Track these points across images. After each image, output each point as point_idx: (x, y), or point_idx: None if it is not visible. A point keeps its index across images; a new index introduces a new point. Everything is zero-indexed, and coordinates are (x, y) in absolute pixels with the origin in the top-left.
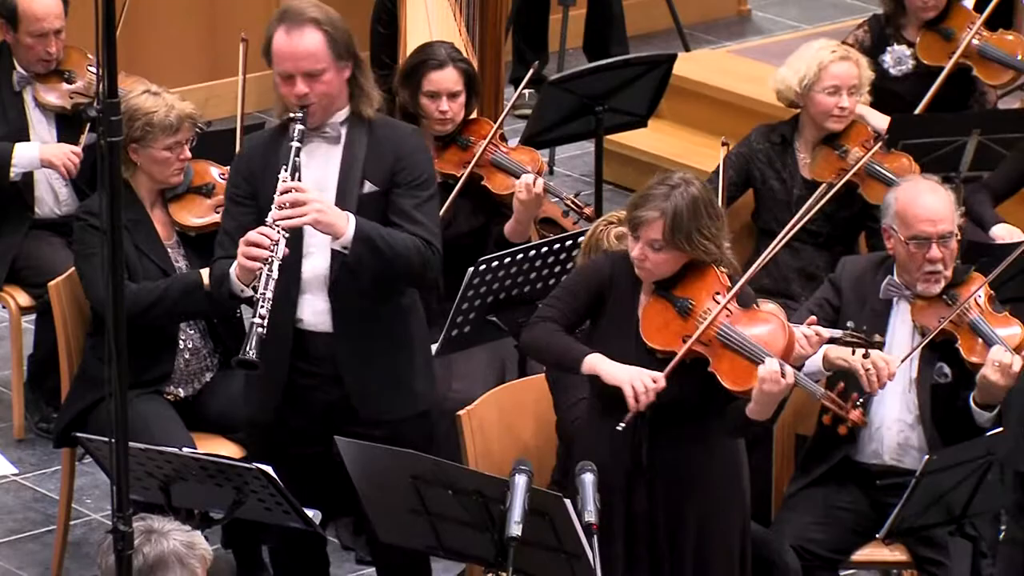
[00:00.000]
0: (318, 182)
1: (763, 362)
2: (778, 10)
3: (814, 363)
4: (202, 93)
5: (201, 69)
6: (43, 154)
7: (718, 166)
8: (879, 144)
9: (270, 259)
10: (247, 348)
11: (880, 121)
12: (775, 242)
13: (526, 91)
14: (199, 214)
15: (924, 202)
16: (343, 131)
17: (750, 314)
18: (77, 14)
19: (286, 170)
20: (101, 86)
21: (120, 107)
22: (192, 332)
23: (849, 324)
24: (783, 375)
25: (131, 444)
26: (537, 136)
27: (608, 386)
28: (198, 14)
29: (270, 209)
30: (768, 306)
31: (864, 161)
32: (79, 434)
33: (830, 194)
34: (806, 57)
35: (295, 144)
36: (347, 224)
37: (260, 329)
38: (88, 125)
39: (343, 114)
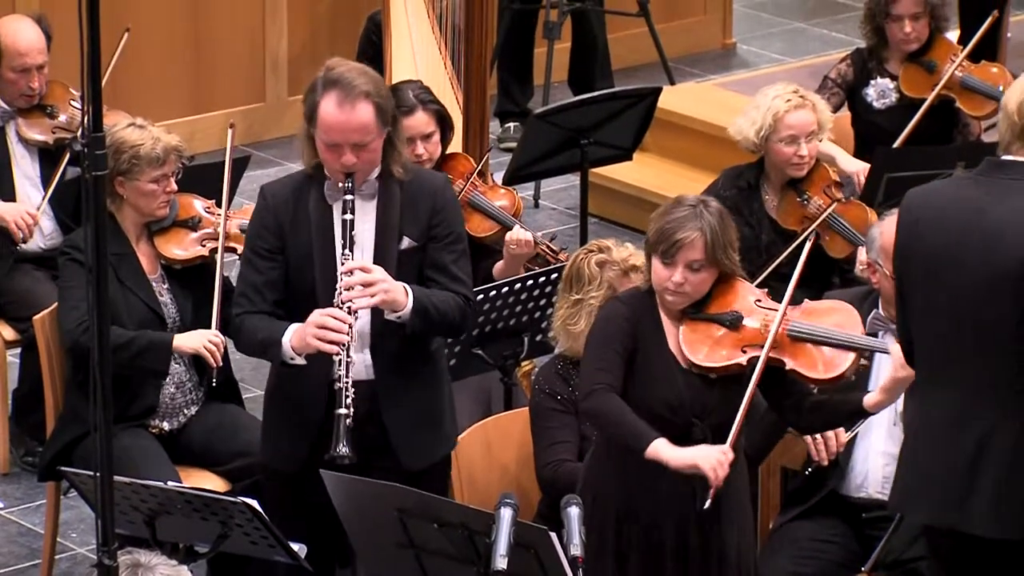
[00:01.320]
0: (355, 239)
1: (862, 348)
2: (763, 43)
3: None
4: (187, 127)
5: (185, 103)
6: None
7: None
8: (834, 204)
9: (347, 344)
10: (339, 445)
11: (852, 165)
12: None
13: (511, 124)
14: (184, 247)
15: None
16: (377, 186)
17: (806, 308)
18: (61, 49)
19: (346, 248)
20: (86, 120)
21: (105, 141)
22: (177, 366)
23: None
24: None
25: (116, 478)
26: (522, 169)
27: (666, 421)
28: (182, 49)
29: (300, 263)
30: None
31: (823, 218)
32: (64, 468)
33: (792, 247)
34: (762, 107)
35: (348, 217)
36: (407, 300)
37: (348, 421)
38: (67, 158)
39: (377, 170)
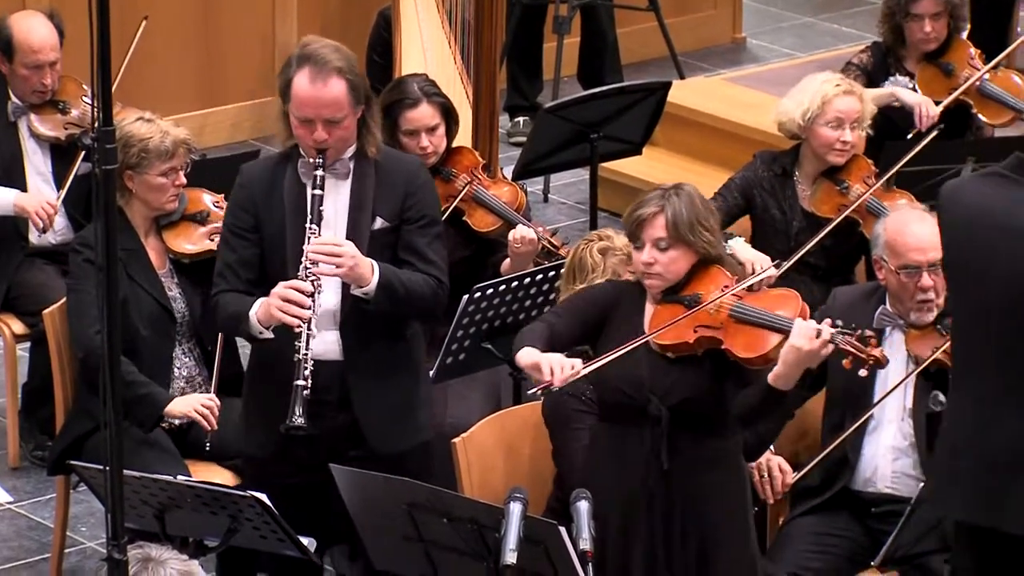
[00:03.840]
0: (329, 218)
1: (784, 329)
2: (773, 38)
3: None
4: (197, 121)
5: (195, 97)
6: (18, 201)
7: (724, 185)
8: (881, 182)
9: (309, 317)
10: (295, 414)
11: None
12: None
13: (521, 119)
14: (193, 241)
15: (913, 231)
16: (351, 166)
17: (759, 294)
18: (73, 44)
19: (312, 221)
20: (96, 113)
21: (115, 135)
22: (187, 360)
23: (838, 321)
24: (819, 334)
25: (125, 472)
26: (532, 164)
27: (615, 402)
28: (192, 42)
29: (274, 242)
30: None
31: (864, 198)
32: (74, 462)
33: (828, 229)
34: (809, 90)
35: (317, 192)
36: (372, 274)
37: (305, 392)
38: (82, 154)
39: (351, 150)
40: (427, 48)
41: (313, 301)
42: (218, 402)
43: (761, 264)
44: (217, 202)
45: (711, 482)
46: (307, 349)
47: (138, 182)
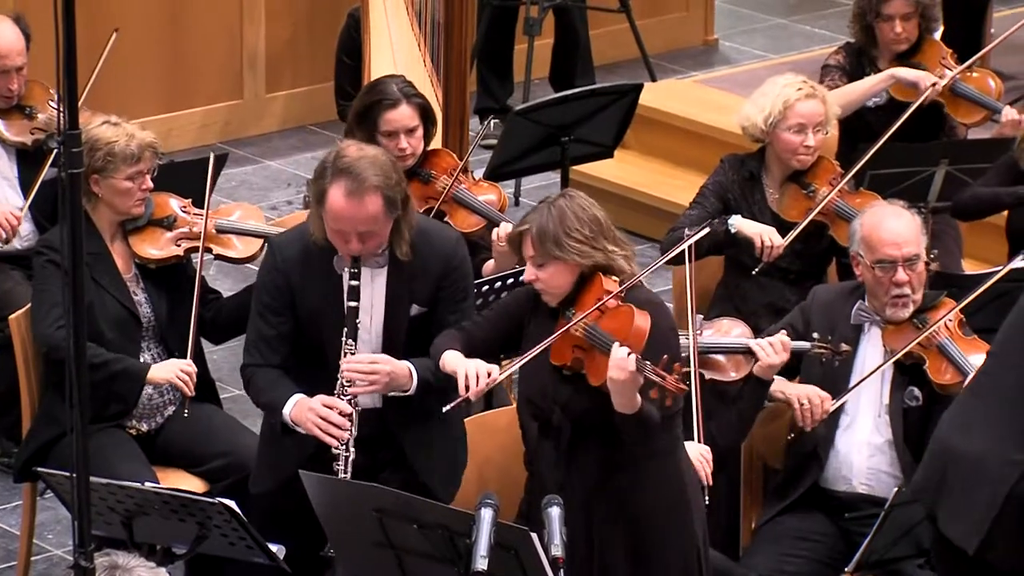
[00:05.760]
0: (366, 308)
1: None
2: (745, 40)
3: None
4: (163, 125)
5: (162, 101)
6: None
7: (698, 194)
8: (846, 179)
9: (348, 438)
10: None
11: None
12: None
13: (493, 121)
14: (160, 246)
15: (888, 226)
16: (387, 255)
17: (614, 312)
18: (39, 48)
19: (349, 337)
20: (62, 117)
21: (81, 139)
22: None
23: (815, 335)
24: (628, 363)
25: (93, 478)
26: (503, 167)
27: (530, 412)
28: (159, 45)
29: (308, 321)
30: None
31: (828, 200)
32: (40, 468)
33: (794, 233)
34: (771, 95)
35: (352, 305)
36: (411, 382)
37: None
38: (49, 160)
39: (385, 241)
40: (397, 50)
41: (352, 422)
42: (195, 368)
43: (769, 236)
44: (184, 207)
45: (630, 485)
46: (346, 471)
47: (104, 186)
